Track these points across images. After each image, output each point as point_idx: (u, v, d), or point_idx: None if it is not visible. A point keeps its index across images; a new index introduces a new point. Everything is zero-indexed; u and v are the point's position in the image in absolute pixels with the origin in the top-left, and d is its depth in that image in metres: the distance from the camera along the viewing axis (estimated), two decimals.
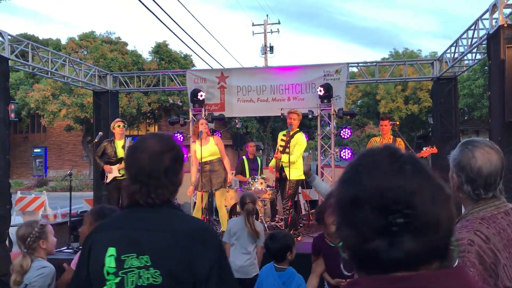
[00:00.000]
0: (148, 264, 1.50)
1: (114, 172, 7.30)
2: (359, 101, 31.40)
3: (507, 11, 5.89)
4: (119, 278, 1.51)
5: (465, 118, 27.08)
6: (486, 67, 7.54)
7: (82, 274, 1.58)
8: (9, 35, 6.89)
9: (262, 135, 34.34)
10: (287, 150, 6.69)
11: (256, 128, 31.90)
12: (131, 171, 1.63)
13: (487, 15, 6.40)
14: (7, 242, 6.69)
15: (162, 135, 1.71)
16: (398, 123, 6.93)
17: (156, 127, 33.47)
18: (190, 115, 9.67)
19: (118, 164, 7.29)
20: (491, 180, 1.72)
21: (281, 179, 6.99)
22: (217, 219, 7.57)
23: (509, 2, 5.77)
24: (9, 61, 6.90)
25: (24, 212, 10.32)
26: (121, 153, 7.30)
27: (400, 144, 6.71)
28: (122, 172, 7.27)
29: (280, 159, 6.81)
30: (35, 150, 33.43)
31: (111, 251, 1.53)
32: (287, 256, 3.32)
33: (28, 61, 7.71)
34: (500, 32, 5.66)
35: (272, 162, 7.19)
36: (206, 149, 6.82)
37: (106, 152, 7.36)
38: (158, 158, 1.60)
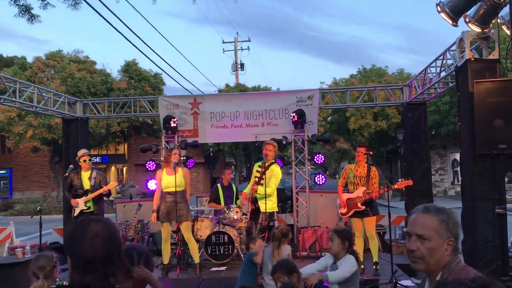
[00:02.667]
0: None
1: (80, 205, 7.15)
2: (329, 118, 31.78)
3: (474, 45, 6.09)
4: None
5: (432, 133, 27.77)
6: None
7: None
8: None
9: (234, 152, 34.30)
10: (262, 181, 6.68)
11: (228, 146, 31.84)
12: (82, 258, 1.58)
13: (454, 47, 6.60)
14: None
15: (104, 220, 1.73)
16: (372, 153, 7.00)
17: (126, 145, 33.00)
18: (163, 142, 9.56)
19: (84, 197, 7.15)
20: None
21: (255, 211, 6.94)
22: None
23: (474, 37, 5.97)
24: None
25: None
26: (87, 185, 7.19)
27: (374, 173, 6.78)
28: (89, 204, 7.14)
29: (256, 191, 6.78)
30: (0, 172, 32.38)
31: None
32: None
33: None
34: (468, 66, 5.84)
35: (247, 189, 7.12)
36: (173, 179, 6.72)
37: (72, 184, 7.21)
38: (111, 242, 1.62)
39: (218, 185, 8.97)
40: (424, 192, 8.86)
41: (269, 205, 6.73)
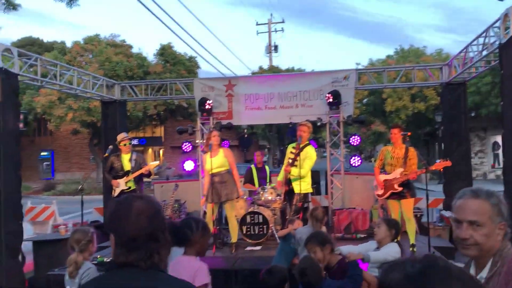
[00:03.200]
0: None
1: (121, 185, 7.35)
2: (365, 100, 31.25)
3: None
4: None
5: (472, 115, 26.93)
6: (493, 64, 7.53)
7: None
8: (18, 51, 6.90)
9: (267, 134, 34.35)
10: (296, 163, 6.65)
11: (262, 128, 31.89)
12: (126, 235, 1.54)
13: (498, 24, 6.34)
14: (19, 257, 6.72)
15: (148, 196, 1.69)
16: (410, 133, 6.87)
17: (162, 128, 33.56)
18: (198, 124, 9.66)
19: (125, 177, 7.33)
20: None
21: (289, 192, 6.94)
22: (227, 227, 7.61)
23: None
24: (18, 76, 6.92)
25: (34, 222, 10.37)
26: (127, 166, 7.37)
27: (412, 154, 6.65)
28: (130, 184, 7.32)
29: (290, 172, 6.77)
30: (42, 154, 33.61)
31: None
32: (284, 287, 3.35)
33: (36, 72, 7.72)
34: None
35: (280, 176, 7.11)
36: (216, 161, 6.83)
37: (113, 167, 7.40)
38: (155, 219, 1.59)
39: (252, 166, 9.03)
40: (463, 175, 8.64)
41: (303, 186, 6.71)
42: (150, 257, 1.53)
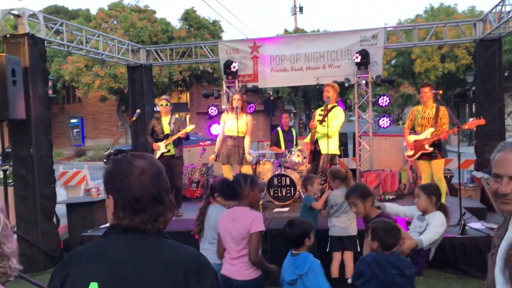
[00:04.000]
0: None
1: (161, 148, 7.36)
2: (393, 61, 30.50)
3: None
4: None
5: (505, 74, 25.97)
6: None
7: None
8: (44, 16, 6.91)
9: (293, 99, 34.05)
10: (324, 123, 6.54)
11: (288, 92, 31.60)
12: (129, 196, 1.44)
13: None
14: (54, 220, 6.94)
15: (149, 155, 1.57)
16: (441, 92, 6.63)
17: (188, 94, 33.67)
18: (224, 87, 9.60)
19: (165, 140, 7.36)
20: None
21: (315, 153, 6.85)
22: None
23: None
24: (45, 41, 6.96)
25: (67, 186, 10.67)
26: (167, 129, 7.37)
27: (443, 113, 6.46)
28: (169, 147, 7.32)
29: (315, 128, 6.64)
30: (72, 121, 34.33)
31: (93, 286, 1.36)
32: (305, 242, 3.32)
33: (62, 39, 7.76)
34: None
35: (307, 138, 7.04)
36: (235, 124, 6.77)
37: (154, 130, 7.44)
38: (159, 180, 1.49)
39: (278, 129, 8.98)
40: (495, 135, 8.37)
41: (331, 147, 6.60)
42: (155, 221, 1.45)
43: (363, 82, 8.93)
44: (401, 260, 2.99)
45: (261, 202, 7.11)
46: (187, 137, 7.41)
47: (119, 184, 1.44)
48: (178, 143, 7.41)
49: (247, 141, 6.96)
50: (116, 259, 1.40)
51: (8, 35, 6.39)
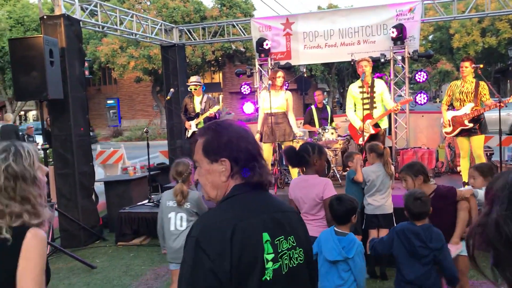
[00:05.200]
0: (294, 244, 1.53)
1: (193, 127, 7.49)
2: (430, 36, 29.56)
3: None
4: (278, 264, 1.47)
5: None
6: None
7: (224, 269, 1.37)
8: None
9: (327, 77, 33.59)
10: (374, 105, 6.40)
11: (321, 70, 31.19)
12: (246, 153, 1.54)
13: None
14: (93, 197, 7.14)
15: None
16: (481, 66, 6.37)
17: (221, 74, 33.71)
18: (257, 65, 9.54)
19: (196, 119, 7.46)
20: None
21: (374, 135, 6.62)
22: (286, 168, 7.62)
23: None
24: (80, 22, 7.07)
25: (104, 165, 10.94)
26: (198, 108, 7.48)
27: (484, 87, 6.21)
28: (200, 126, 7.42)
29: (372, 116, 6.52)
30: (108, 102, 35.04)
31: (266, 236, 1.46)
32: (352, 219, 3.28)
33: (97, 20, 7.86)
34: None
35: (355, 123, 6.79)
36: (276, 101, 6.73)
37: (187, 108, 7.57)
38: (255, 140, 1.63)
39: (312, 106, 8.87)
40: None
41: (384, 120, 6.59)
42: (262, 175, 1.56)
43: (399, 57, 8.70)
44: (430, 233, 3.10)
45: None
46: (215, 116, 7.48)
47: (236, 146, 1.53)
48: (208, 121, 7.51)
49: (292, 118, 6.90)
50: (269, 210, 1.53)
51: (45, 17, 6.52)
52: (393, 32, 8.27)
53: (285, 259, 1.49)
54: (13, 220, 1.68)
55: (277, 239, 1.48)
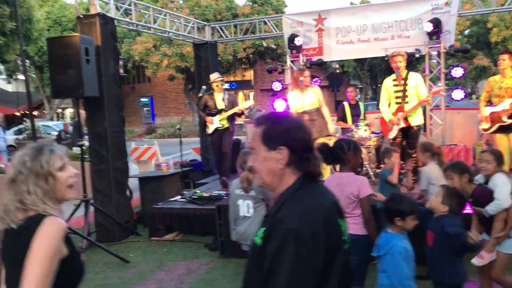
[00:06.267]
0: (346, 227, 1.63)
1: (215, 123, 7.53)
2: (466, 31, 28.73)
3: None
4: (347, 244, 1.59)
5: None
6: None
7: (322, 257, 1.44)
8: None
9: (359, 73, 33.13)
10: (406, 99, 6.22)
11: (353, 67, 30.79)
12: (303, 143, 1.61)
13: None
14: (127, 192, 7.27)
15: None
16: None
17: (252, 72, 33.75)
18: (288, 62, 9.50)
19: (218, 115, 7.50)
20: None
21: (405, 128, 6.43)
22: None
23: None
24: (115, 20, 7.20)
25: (139, 161, 11.15)
26: (220, 105, 7.50)
27: None
28: (223, 122, 7.46)
29: (403, 110, 6.35)
30: (142, 99, 35.63)
31: (339, 221, 1.56)
32: (395, 221, 3.06)
33: (131, 19, 7.99)
34: None
35: (386, 116, 6.65)
36: (306, 99, 6.69)
37: (207, 105, 7.60)
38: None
39: (345, 103, 8.76)
40: None
41: (418, 117, 6.29)
42: (318, 166, 1.63)
43: (435, 53, 8.49)
44: (448, 221, 3.16)
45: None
46: (242, 112, 7.52)
47: (294, 135, 1.58)
48: (231, 119, 7.59)
49: (326, 112, 6.80)
50: (331, 197, 1.62)
51: (81, 16, 6.68)
52: (428, 26, 8.09)
53: (348, 241, 1.61)
54: (26, 210, 1.78)
55: (342, 223, 1.59)
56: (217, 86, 7.56)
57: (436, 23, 8.08)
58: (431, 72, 8.75)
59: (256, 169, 1.63)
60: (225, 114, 7.44)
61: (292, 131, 1.58)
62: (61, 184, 1.86)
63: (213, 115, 7.58)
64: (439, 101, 8.73)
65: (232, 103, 7.56)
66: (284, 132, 1.58)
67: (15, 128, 19.66)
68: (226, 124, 7.50)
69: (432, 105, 8.70)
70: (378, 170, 7.77)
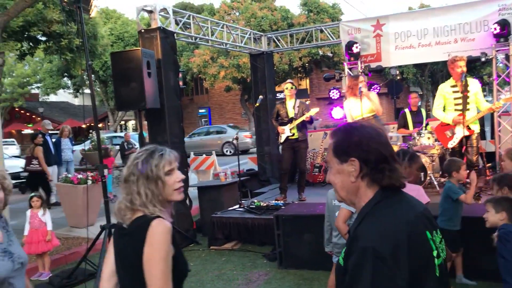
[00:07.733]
0: (441, 237, 1.54)
1: (286, 132, 7.44)
2: None
3: None
4: (440, 259, 1.48)
5: None
6: None
7: (404, 276, 1.34)
8: (173, 9, 7.34)
9: (419, 79, 32.13)
10: (468, 106, 5.99)
11: (413, 73, 29.92)
12: (378, 154, 1.51)
13: None
14: (187, 201, 7.39)
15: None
16: None
17: (307, 80, 33.62)
18: (346, 69, 9.34)
19: (289, 124, 7.41)
20: None
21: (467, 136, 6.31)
22: None
23: None
24: (175, 34, 7.40)
25: (197, 171, 11.35)
26: (291, 113, 7.40)
27: None
28: (294, 131, 7.38)
29: (464, 116, 6.12)
30: (200, 111, 36.48)
31: (428, 234, 1.47)
32: None
33: (190, 32, 8.18)
34: None
35: (445, 119, 6.41)
36: (363, 106, 6.55)
37: (279, 114, 7.55)
38: (388, 142, 1.60)
39: (406, 110, 8.47)
40: None
41: (477, 124, 6.23)
42: (393, 177, 1.53)
43: (502, 56, 8.06)
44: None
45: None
46: (311, 120, 7.37)
47: (366, 147, 1.50)
48: (302, 127, 7.41)
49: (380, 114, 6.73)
50: (417, 209, 1.52)
51: (142, 30, 6.92)
52: (495, 28, 7.70)
53: (442, 253, 1.51)
54: (134, 210, 1.89)
55: (433, 235, 1.49)
56: (286, 88, 7.46)
57: (504, 24, 7.66)
58: (498, 76, 8.30)
59: (332, 183, 1.58)
60: (295, 123, 7.35)
61: (364, 142, 1.51)
62: (169, 188, 1.94)
63: (285, 123, 7.52)
64: (508, 106, 8.26)
65: (302, 111, 7.44)
66: (355, 144, 1.52)
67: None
68: (296, 132, 7.38)
69: (500, 111, 8.25)
70: (442, 180, 7.45)
